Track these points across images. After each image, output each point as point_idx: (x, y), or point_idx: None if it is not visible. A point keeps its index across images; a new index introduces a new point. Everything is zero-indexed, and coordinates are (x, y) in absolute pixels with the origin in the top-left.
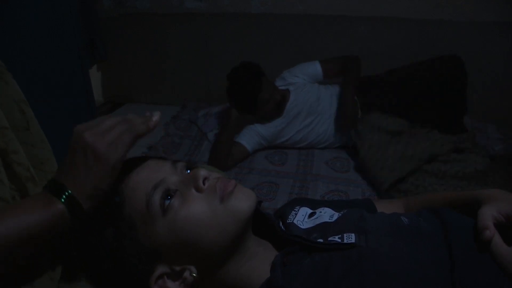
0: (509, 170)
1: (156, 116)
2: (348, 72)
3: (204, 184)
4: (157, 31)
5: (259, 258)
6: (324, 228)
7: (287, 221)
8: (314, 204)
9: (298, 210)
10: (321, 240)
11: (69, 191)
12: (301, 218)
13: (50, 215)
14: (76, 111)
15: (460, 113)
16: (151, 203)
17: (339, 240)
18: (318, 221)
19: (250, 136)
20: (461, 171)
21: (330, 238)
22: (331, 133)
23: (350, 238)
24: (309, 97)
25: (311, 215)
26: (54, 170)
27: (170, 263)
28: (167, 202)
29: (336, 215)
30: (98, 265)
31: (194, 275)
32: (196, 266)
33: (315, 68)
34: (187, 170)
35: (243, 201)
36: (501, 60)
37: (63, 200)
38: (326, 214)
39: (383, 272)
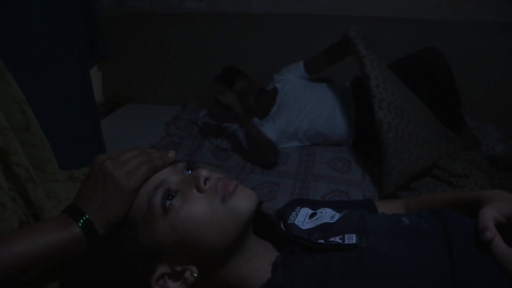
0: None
1: (171, 154)
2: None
3: (205, 184)
4: (157, 31)
5: (260, 258)
6: (325, 229)
7: (288, 222)
8: (315, 205)
9: (299, 210)
10: (322, 241)
11: (87, 216)
12: (302, 218)
13: (67, 237)
14: (76, 111)
15: (454, 106)
16: (152, 203)
17: (340, 241)
18: (319, 222)
19: (267, 132)
20: (461, 186)
21: (331, 239)
22: (337, 123)
23: (351, 238)
24: (296, 86)
25: (312, 215)
26: (55, 171)
27: (171, 263)
28: (168, 202)
29: (337, 216)
30: (99, 265)
31: (195, 275)
32: (197, 266)
33: (299, 65)
34: (187, 170)
35: (244, 201)
36: (501, 60)
37: (80, 224)
38: (327, 215)
39: (383, 272)
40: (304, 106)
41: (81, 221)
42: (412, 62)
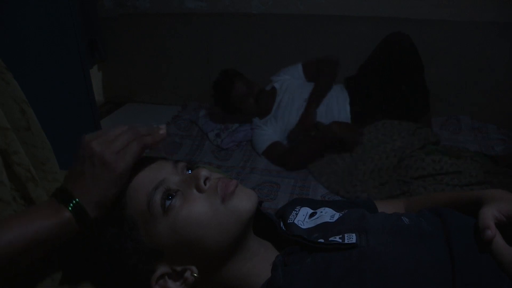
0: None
1: (162, 130)
2: (320, 77)
3: (205, 184)
4: (157, 31)
5: (260, 258)
6: (325, 228)
7: (288, 221)
8: (315, 204)
9: (299, 210)
10: (322, 241)
11: (77, 200)
12: (302, 218)
13: (57, 222)
14: (76, 111)
15: (421, 93)
16: (152, 203)
17: (340, 240)
18: (319, 221)
19: (271, 134)
20: (458, 184)
21: (331, 239)
22: (335, 115)
23: (351, 238)
24: (294, 85)
25: (312, 215)
26: (55, 170)
27: (171, 263)
28: (168, 202)
29: (337, 215)
30: (99, 265)
31: (195, 275)
32: (197, 266)
33: (297, 67)
34: (188, 170)
35: (244, 201)
36: (501, 60)
37: (70, 208)
38: (327, 214)
39: (383, 271)
40: (304, 102)
41: (71, 205)
42: (382, 49)
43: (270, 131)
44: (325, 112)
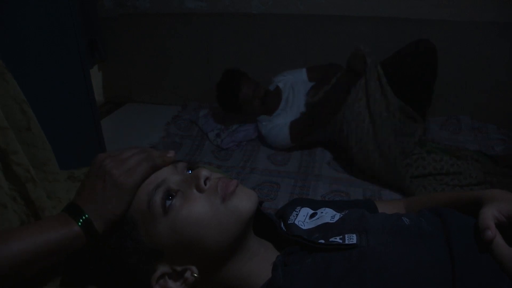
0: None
1: (171, 154)
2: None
3: (205, 184)
4: (157, 31)
5: (260, 258)
6: (325, 229)
7: (288, 222)
8: (315, 205)
9: (299, 210)
10: (322, 241)
11: (86, 215)
12: (302, 218)
13: (66, 235)
14: (76, 111)
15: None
16: (152, 203)
17: (340, 241)
18: (319, 222)
19: (282, 122)
20: (458, 185)
21: (331, 239)
22: None
23: (351, 238)
24: (299, 82)
25: (312, 215)
26: (55, 171)
27: (171, 263)
28: (168, 202)
29: (337, 216)
30: (99, 265)
31: (195, 275)
32: (197, 266)
33: (301, 71)
34: (188, 170)
35: (244, 201)
36: (501, 60)
37: (80, 223)
38: (327, 215)
39: (383, 272)
40: (309, 86)
41: (81, 220)
42: (406, 53)
43: (281, 121)
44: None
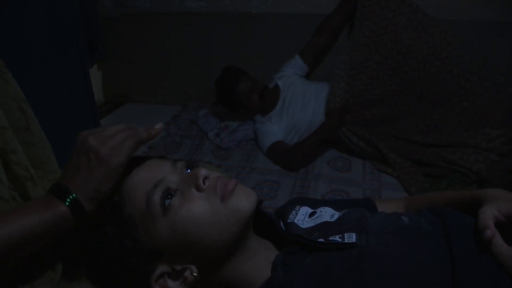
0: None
1: (158, 125)
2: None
3: (204, 183)
4: (157, 31)
5: (260, 258)
6: (324, 228)
7: (288, 221)
8: (315, 204)
9: (299, 209)
10: (321, 240)
11: (74, 195)
12: (302, 217)
13: (54, 216)
14: (76, 111)
15: None
16: (151, 202)
17: (340, 240)
18: (318, 221)
19: (276, 131)
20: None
21: (330, 238)
22: None
23: (351, 237)
24: (298, 83)
25: (311, 214)
26: (55, 170)
27: (171, 263)
28: (167, 201)
29: (336, 215)
30: (99, 264)
31: (195, 274)
32: (196, 266)
33: (295, 59)
34: (187, 169)
35: (243, 200)
36: (501, 60)
37: (67, 203)
38: (327, 214)
39: (383, 271)
40: (308, 99)
41: (68, 200)
42: None
43: (275, 128)
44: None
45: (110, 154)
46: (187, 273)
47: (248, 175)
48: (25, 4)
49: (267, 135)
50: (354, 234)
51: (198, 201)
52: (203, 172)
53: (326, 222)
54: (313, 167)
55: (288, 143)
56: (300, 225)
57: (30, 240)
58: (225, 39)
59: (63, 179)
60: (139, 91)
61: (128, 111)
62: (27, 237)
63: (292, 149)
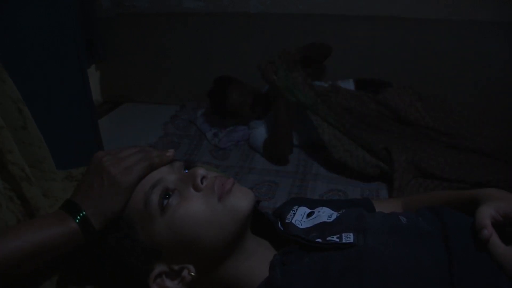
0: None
1: (170, 152)
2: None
3: (202, 183)
4: (156, 31)
5: (258, 258)
6: (322, 228)
7: (286, 221)
8: (313, 204)
9: (297, 209)
10: (319, 240)
11: (84, 212)
12: (300, 217)
13: (64, 232)
14: (74, 111)
15: None
16: (149, 202)
17: (338, 240)
18: (316, 221)
19: (266, 132)
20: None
21: (328, 238)
22: None
23: (348, 237)
24: None
25: (309, 214)
26: (52, 170)
27: (169, 262)
28: (165, 201)
29: (334, 215)
30: (97, 264)
31: (193, 274)
32: (194, 265)
33: None
34: (185, 169)
35: (241, 200)
36: (501, 60)
37: (77, 220)
38: (325, 214)
39: (381, 271)
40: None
41: (78, 217)
42: None
43: (268, 129)
44: None
45: (122, 175)
46: (185, 273)
47: (246, 175)
48: (24, 4)
49: (260, 137)
50: (352, 234)
51: (196, 200)
52: (201, 171)
53: (324, 222)
54: (311, 167)
55: None
56: (298, 225)
57: (40, 253)
58: (224, 39)
59: (75, 196)
60: (138, 91)
61: (126, 111)
62: (38, 250)
63: (271, 135)
